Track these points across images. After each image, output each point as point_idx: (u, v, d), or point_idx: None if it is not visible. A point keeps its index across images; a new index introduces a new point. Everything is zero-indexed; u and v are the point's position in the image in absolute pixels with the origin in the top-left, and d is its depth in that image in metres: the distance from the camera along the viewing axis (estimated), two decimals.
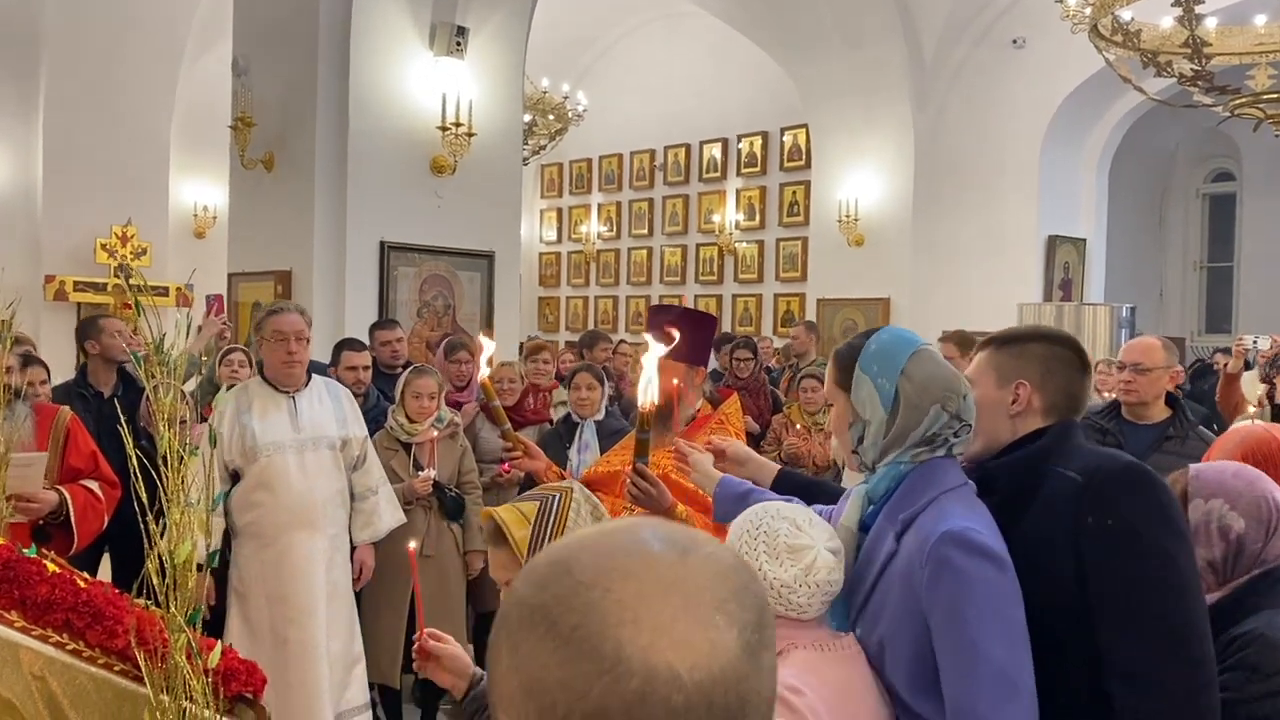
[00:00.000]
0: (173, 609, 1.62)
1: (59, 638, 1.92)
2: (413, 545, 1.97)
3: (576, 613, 0.60)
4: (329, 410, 3.79)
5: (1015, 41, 9.28)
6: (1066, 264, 9.74)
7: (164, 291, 10.12)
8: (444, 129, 6.45)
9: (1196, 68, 5.54)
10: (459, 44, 6.50)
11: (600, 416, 4.74)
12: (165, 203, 10.60)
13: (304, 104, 6.31)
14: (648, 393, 2.23)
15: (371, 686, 4.16)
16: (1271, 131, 9.79)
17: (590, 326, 12.70)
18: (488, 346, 2.98)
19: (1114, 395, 3.80)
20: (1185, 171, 13.39)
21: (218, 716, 1.68)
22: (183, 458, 1.66)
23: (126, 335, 5.08)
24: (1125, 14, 6.00)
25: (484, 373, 2.95)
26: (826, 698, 1.63)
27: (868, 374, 1.81)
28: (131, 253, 9.90)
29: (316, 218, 6.28)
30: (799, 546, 2.08)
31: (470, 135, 6.50)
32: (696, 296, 11.95)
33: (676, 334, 2.83)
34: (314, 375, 3.87)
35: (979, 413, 1.82)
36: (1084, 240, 9.95)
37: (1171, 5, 5.30)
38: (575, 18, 10.89)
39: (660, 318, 2.89)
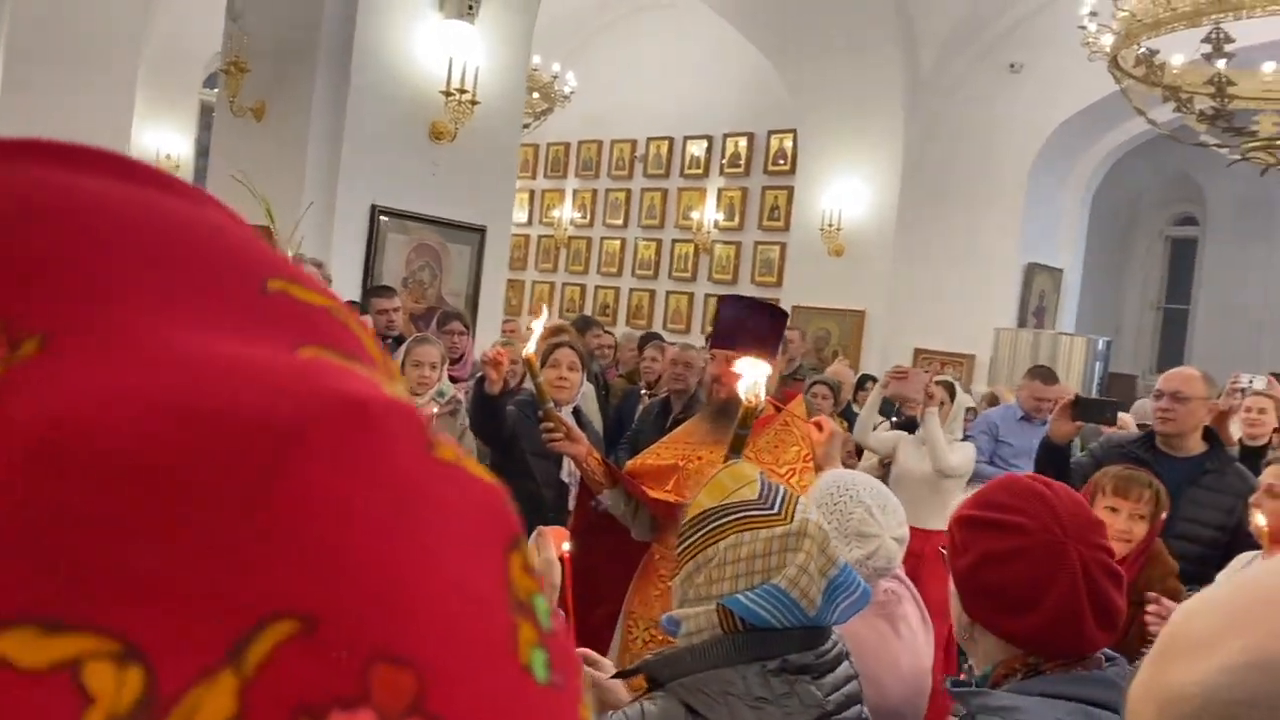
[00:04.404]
0: None
1: None
2: (567, 547, 1.76)
3: None
4: None
5: (1013, 66, 9.30)
6: (1042, 292, 9.80)
7: None
8: (447, 94, 6.22)
9: (1218, 106, 5.55)
10: (470, 8, 6.27)
11: (575, 404, 4.10)
12: (127, 148, 10.14)
13: (304, 54, 6.03)
14: (751, 387, 2.10)
15: None
16: (1240, 180, 9.98)
17: (556, 314, 12.48)
18: (542, 320, 2.81)
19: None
20: (1151, 212, 13.62)
21: None
22: None
23: None
24: (1142, 47, 6.01)
25: (531, 348, 2.78)
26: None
27: None
28: None
29: (307, 173, 6.01)
30: (867, 534, 2.12)
31: (474, 103, 6.27)
32: (669, 293, 11.81)
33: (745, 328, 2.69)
34: None
35: None
36: (1061, 270, 10.03)
37: (1202, 41, 5.29)
38: None
39: (733, 309, 2.74)
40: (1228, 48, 5.29)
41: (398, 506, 0.29)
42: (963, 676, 1.59)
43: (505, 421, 3.50)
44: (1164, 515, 2.80)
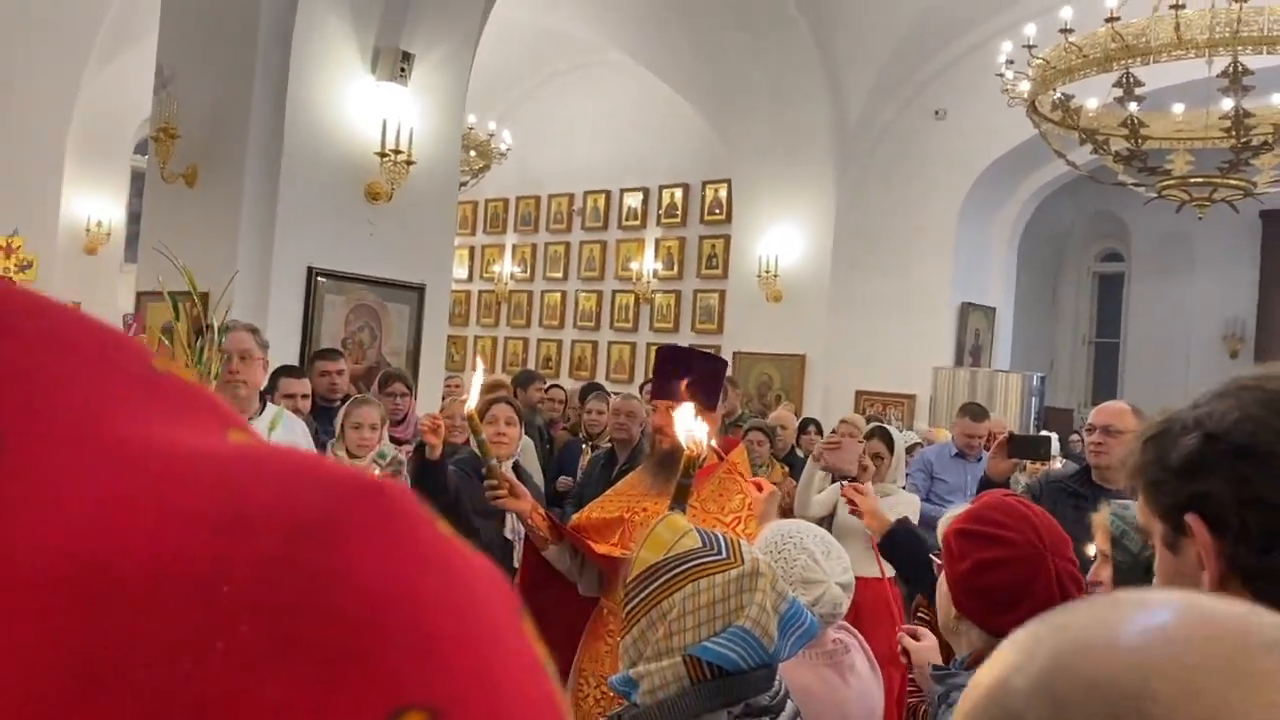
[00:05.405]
0: None
1: None
2: None
3: None
4: (283, 442, 3.50)
5: (937, 113, 9.57)
6: (977, 331, 10.00)
7: None
8: (383, 155, 6.22)
9: (1132, 147, 5.76)
10: (403, 70, 6.30)
11: (513, 460, 4.02)
12: (56, 215, 10.00)
13: (235, 119, 6.00)
14: (691, 436, 2.11)
15: None
16: (1160, 216, 10.33)
17: (499, 368, 12.45)
18: (478, 378, 2.80)
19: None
20: (1078, 250, 14.02)
21: None
22: None
23: None
24: (1057, 93, 6.23)
25: (472, 403, 2.77)
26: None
27: None
28: (16, 265, 9.27)
29: (241, 238, 5.95)
30: (812, 580, 2.14)
31: (409, 164, 6.28)
32: (610, 343, 11.84)
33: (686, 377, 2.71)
34: (269, 404, 3.60)
35: None
36: (994, 309, 10.26)
37: (1114, 86, 5.50)
38: (501, 55, 10.77)
39: (671, 359, 2.76)
40: (1138, 91, 5.50)
41: (453, 586, 0.29)
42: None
43: (449, 486, 3.49)
44: None
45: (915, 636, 2.19)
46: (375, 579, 0.28)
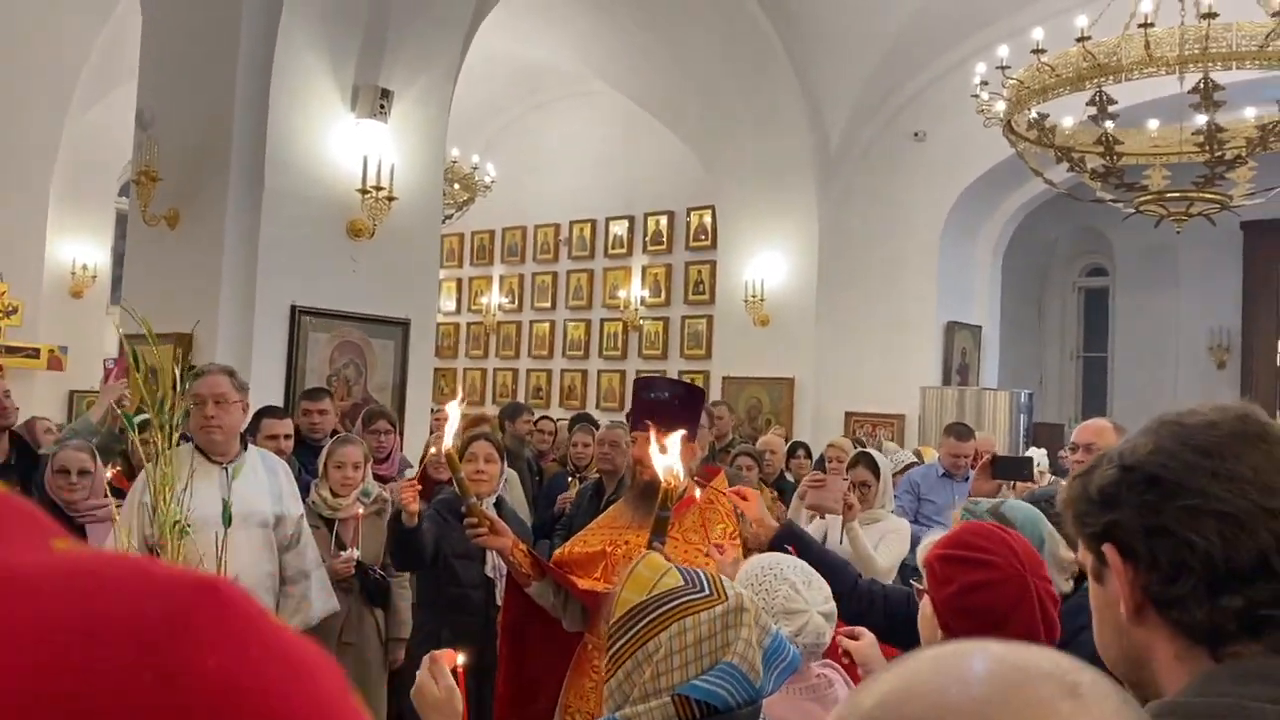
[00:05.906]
0: None
1: None
2: (462, 661, 1.76)
3: None
4: (263, 484, 3.49)
5: (916, 134, 9.63)
6: (964, 350, 10.03)
7: (34, 353, 9.48)
8: (364, 192, 6.25)
9: (1108, 164, 5.80)
10: (383, 107, 6.34)
11: (495, 497, 3.90)
12: (41, 259, 9.99)
13: (216, 160, 6.02)
14: (669, 468, 2.11)
15: None
16: (1143, 230, 10.40)
17: (488, 399, 12.45)
18: (454, 415, 2.80)
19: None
20: (1063, 265, 14.09)
21: None
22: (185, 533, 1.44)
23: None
24: (1033, 112, 6.27)
25: (449, 442, 2.77)
26: None
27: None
28: (1, 311, 9.26)
29: (224, 278, 5.96)
30: (794, 610, 2.14)
31: (391, 199, 6.30)
32: (600, 371, 11.84)
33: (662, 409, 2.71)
34: (250, 446, 3.59)
35: None
36: (980, 327, 10.29)
37: (1087, 105, 5.55)
38: (483, 88, 10.84)
39: (649, 391, 2.76)
40: (1112, 108, 5.54)
41: (295, 672, 0.31)
42: None
43: (427, 545, 3.51)
44: None
45: (853, 636, 2.21)
46: (226, 674, 0.29)
